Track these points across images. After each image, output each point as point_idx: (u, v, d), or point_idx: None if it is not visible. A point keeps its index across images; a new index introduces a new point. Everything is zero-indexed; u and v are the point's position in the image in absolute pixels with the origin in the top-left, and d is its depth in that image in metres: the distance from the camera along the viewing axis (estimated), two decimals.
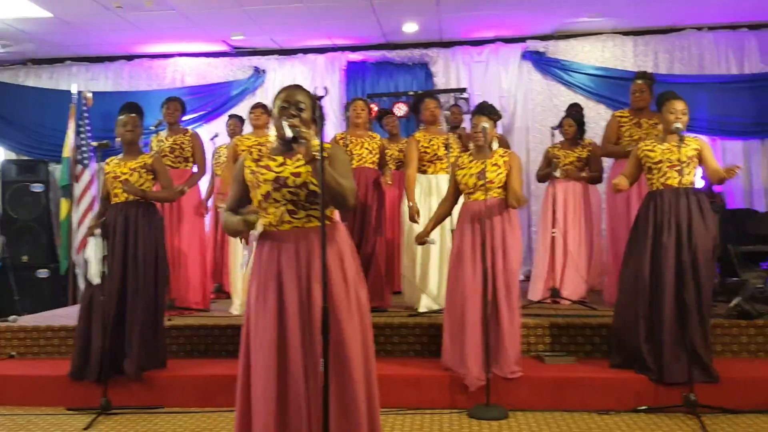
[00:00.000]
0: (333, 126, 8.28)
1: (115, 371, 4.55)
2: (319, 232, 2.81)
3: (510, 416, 4.22)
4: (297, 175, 2.85)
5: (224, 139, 7.43)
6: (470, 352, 4.32)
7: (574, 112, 6.63)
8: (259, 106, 6.18)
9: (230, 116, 7.51)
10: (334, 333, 2.76)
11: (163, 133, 6.23)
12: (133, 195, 4.66)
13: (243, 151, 5.95)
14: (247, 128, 6.97)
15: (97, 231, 4.57)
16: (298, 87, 2.98)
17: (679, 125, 4.27)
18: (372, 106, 7.66)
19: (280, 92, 2.97)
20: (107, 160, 4.83)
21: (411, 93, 8.52)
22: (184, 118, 8.54)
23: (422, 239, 4.75)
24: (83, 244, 7.85)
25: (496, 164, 4.51)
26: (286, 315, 2.82)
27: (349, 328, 2.81)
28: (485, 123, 4.50)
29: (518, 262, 4.53)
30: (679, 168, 4.37)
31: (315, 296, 2.79)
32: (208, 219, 6.90)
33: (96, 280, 4.49)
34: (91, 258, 4.50)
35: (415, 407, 4.43)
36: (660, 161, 4.43)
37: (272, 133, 3.00)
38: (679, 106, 4.42)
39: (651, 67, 8.28)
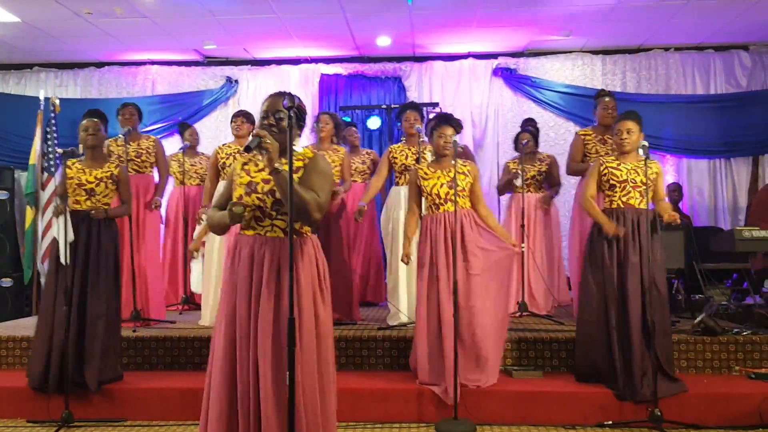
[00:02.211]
0: (306, 139, 8.25)
1: (75, 382, 4.47)
2: (276, 242, 2.80)
3: (478, 430, 4.22)
4: (266, 181, 2.86)
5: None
6: (447, 365, 4.32)
7: (530, 127, 6.76)
8: (240, 115, 6.12)
9: (184, 124, 7.42)
10: (279, 350, 2.74)
11: (121, 138, 6.11)
12: (98, 218, 4.63)
13: (223, 158, 5.92)
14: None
15: (65, 208, 4.47)
16: (280, 96, 2.94)
17: (645, 143, 4.32)
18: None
19: (265, 99, 2.97)
20: (69, 162, 4.73)
21: (384, 106, 8.54)
22: (155, 126, 8.57)
23: (408, 258, 4.73)
24: (48, 253, 7.72)
25: (462, 172, 4.55)
26: (237, 325, 2.82)
27: (299, 347, 2.77)
28: (454, 135, 4.51)
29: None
30: (641, 189, 4.44)
31: (263, 307, 2.78)
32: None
33: (63, 261, 4.42)
34: (60, 239, 4.42)
35: (383, 421, 4.41)
36: (625, 180, 4.49)
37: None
38: (625, 126, 4.50)
39: (618, 85, 8.44)
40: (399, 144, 5.83)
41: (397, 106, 8.38)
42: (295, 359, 2.73)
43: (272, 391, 2.71)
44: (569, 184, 8.28)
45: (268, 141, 2.67)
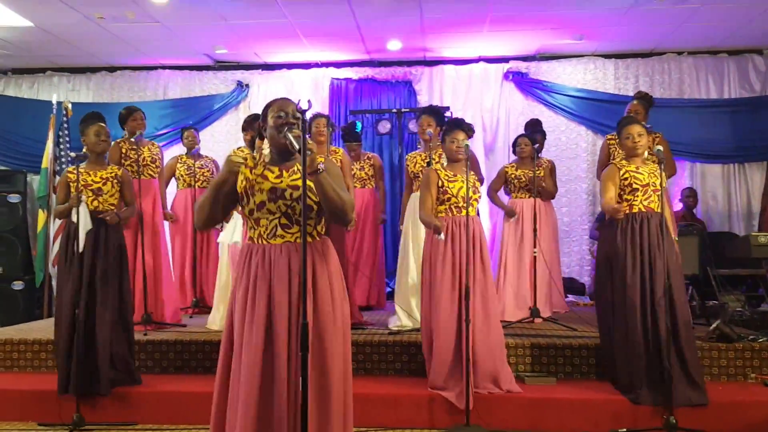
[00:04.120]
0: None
1: (90, 386, 4.47)
2: (311, 247, 2.80)
3: None
4: (295, 188, 2.82)
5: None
6: (462, 371, 4.27)
7: (530, 132, 6.71)
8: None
9: (185, 128, 7.39)
10: (319, 351, 2.74)
11: (130, 142, 6.07)
12: (112, 223, 4.65)
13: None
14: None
15: (83, 197, 4.53)
16: (287, 99, 2.95)
17: (660, 148, 4.28)
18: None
19: (271, 104, 2.93)
20: (70, 169, 4.74)
21: (394, 110, 8.53)
22: (167, 130, 8.61)
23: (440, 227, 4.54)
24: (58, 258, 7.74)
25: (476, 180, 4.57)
26: (274, 332, 2.79)
27: (333, 348, 2.80)
28: (466, 140, 4.49)
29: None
30: (659, 192, 4.42)
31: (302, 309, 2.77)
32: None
33: (80, 248, 4.45)
34: (79, 227, 4.45)
35: (394, 426, 4.39)
36: (647, 184, 4.46)
37: (266, 144, 2.97)
38: (635, 129, 4.47)
39: (631, 90, 8.37)
40: (415, 152, 5.84)
41: (407, 110, 8.38)
42: (329, 361, 2.77)
43: (311, 394, 2.71)
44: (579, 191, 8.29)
45: (310, 142, 2.66)
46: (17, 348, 5.29)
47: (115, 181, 4.77)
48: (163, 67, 9.05)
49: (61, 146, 7.94)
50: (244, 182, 2.89)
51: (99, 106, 8.55)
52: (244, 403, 2.76)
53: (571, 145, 8.51)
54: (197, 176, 6.94)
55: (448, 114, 8.25)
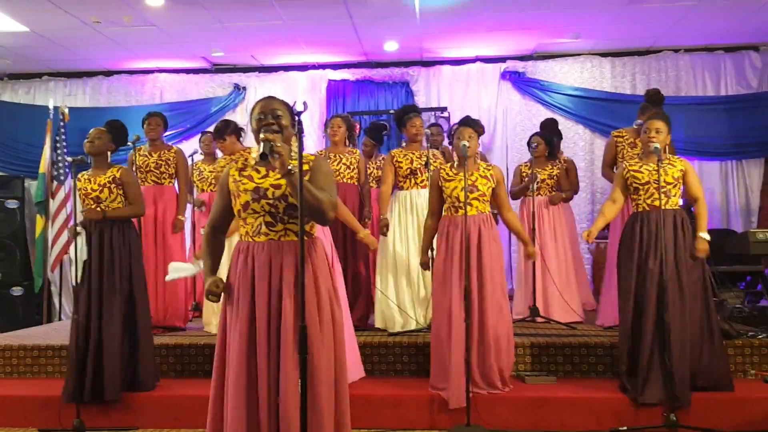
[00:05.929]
0: (314, 144, 8.27)
1: (97, 392, 4.45)
2: (293, 246, 2.78)
3: None
4: (277, 187, 2.83)
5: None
6: (453, 371, 4.27)
7: (543, 131, 6.68)
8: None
9: (203, 132, 7.41)
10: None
11: (146, 148, 6.15)
12: (94, 217, 4.58)
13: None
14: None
15: (81, 231, 4.52)
16: (273, 97, 2.95)
17: (657, 146, 4.28)
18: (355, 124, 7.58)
19: (255, 106, 2.94)
20: (79, 176, 4.73)
21: (392, 111, 8.52)
22: (164, 134, 8.55)
23: (426, 263, 4.71)
24: (58, 261, 7.74)
25: (485, 176, 4.51)
26: (255, 328, 2.80)
27: (317, 346, 2.77)
28: (465, 141, 4.46)
29: (503, 277, 4.54)
30: (665, 189, 4.38)
31: (285, 311, 2.76)
32: (187, 235, 6.84)
33: (77, 278, 4.44)
34: (76, 258, 4.46)
35: (395, 427, 4.38)
36: (647, 182, 4.44)
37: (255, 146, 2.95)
38: (654, 125, 4.45)
39: (628, 88, 8.40)
40: (400, 149, 5.73)
41: None
42: (315, 362, 2.72)
43: (294, 395, 2.69)
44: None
45: (279, 144, 2.64)
46: (17, 354, 5.28)
47: (114, 185, 4.68)
48: (160, 71, 9.04)
49: (58, 151, 7.93)
50: (233, 183, 2.91)
51: (95, 111, 8.59)
52: (232, 404, 2.77)
53: (569, 144, 8.49)
54: (209, 180, 6.92)
55: (445, 114, 8.27)
